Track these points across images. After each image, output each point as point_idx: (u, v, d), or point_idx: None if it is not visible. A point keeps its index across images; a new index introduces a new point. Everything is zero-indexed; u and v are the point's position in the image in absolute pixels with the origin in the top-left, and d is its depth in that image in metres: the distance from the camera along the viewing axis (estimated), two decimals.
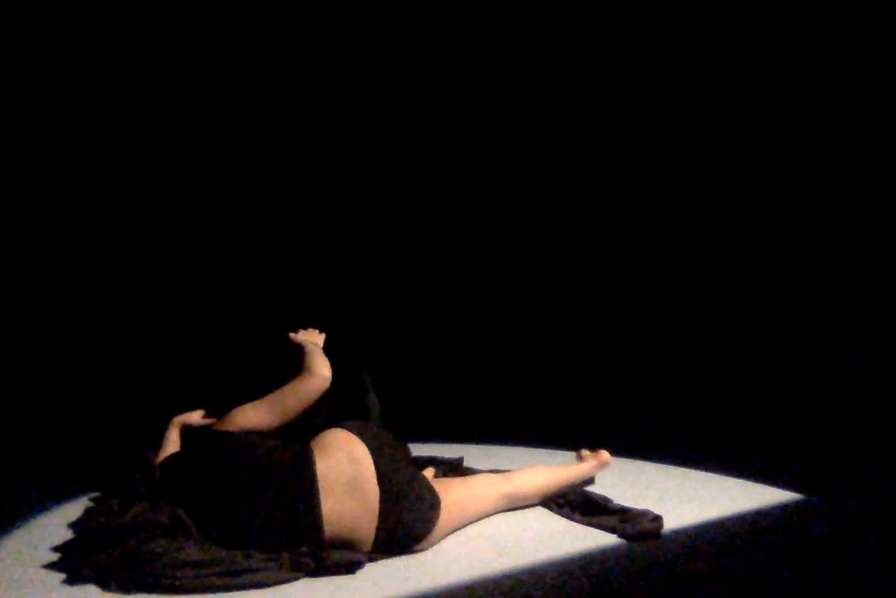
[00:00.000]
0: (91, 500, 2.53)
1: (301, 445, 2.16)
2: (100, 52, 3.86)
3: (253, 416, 2.35)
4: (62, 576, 2.00)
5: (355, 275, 4.21)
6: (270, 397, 2.41)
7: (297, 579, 1.97)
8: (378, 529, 2.06)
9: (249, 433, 2.30)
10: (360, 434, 2.15)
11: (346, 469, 2.06)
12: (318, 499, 2.02)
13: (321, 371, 2.46)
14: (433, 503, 2.16)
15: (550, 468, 2.56)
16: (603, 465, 2.67)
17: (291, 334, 2.68)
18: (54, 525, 2.41)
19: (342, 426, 2.19)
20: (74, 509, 2.52)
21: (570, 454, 3.22)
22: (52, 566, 2.06)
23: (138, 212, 4.04)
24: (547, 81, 4.11)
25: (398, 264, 4.24)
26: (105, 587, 1.92)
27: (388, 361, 3.02)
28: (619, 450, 3.22)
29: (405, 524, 2.08)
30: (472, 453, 2.98)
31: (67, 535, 2.29)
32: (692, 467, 2.95)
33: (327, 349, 2.67)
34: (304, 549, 2.01)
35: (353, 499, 2.04)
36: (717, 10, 3.79)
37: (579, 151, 4.16)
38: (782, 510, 2.48)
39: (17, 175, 3.84)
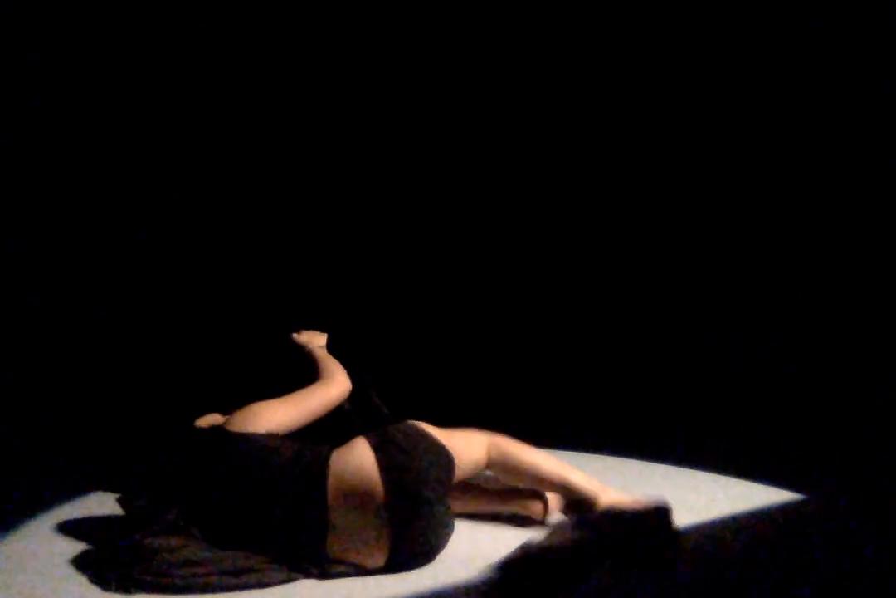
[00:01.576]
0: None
1: (320, 460, 2.04)
2: (97, 52, 3.86)
3: (279, 415, 2.23)
4: (62, 576, 2.00)
5: (355, 275, 4.21)
6: (296, 400, 2.30)
7: (297, 579, 1.97)
8: (388, 561, 2.00)
9: (270, 438, 2.16)
10: (385, 454, 2.00)
11: (358, 506, 1.96)
12: (326, 538, 1.97)
13: (344, 379, 2.40)
14: (447, 524, 2.10)
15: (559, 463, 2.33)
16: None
17: (294, 335, 2.66)
18: (55, 525, 2.42)
19: (370, 439, 2.05)
20: (75, 509, 2.52)
21: (571, 455, 3.24)
22: (54, 563, 2.07)
23: (144, 215, 4.05)
24: (552, 80, 4.11)
25: (396, 264, 4.24)
26: (105, 586, 1.92)
27: (388, 360, 3.02)
28: (619, 450, 3.23)
29: (417, 553, 2.03)
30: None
31: (68, 535, 2.29)
32: (692, 468, 2.95)
33: (329, 350, 2.66)
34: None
35: (363, 536, 1.97)
36: (715, 10, 3.80)
37: (575, 152, 4.16)
38: (782, 509, 2.48)
39: (17, 175, 3.85)
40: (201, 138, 4.07)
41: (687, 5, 3.83)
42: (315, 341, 2.65)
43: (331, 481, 1.98)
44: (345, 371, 2.45)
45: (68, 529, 2.36)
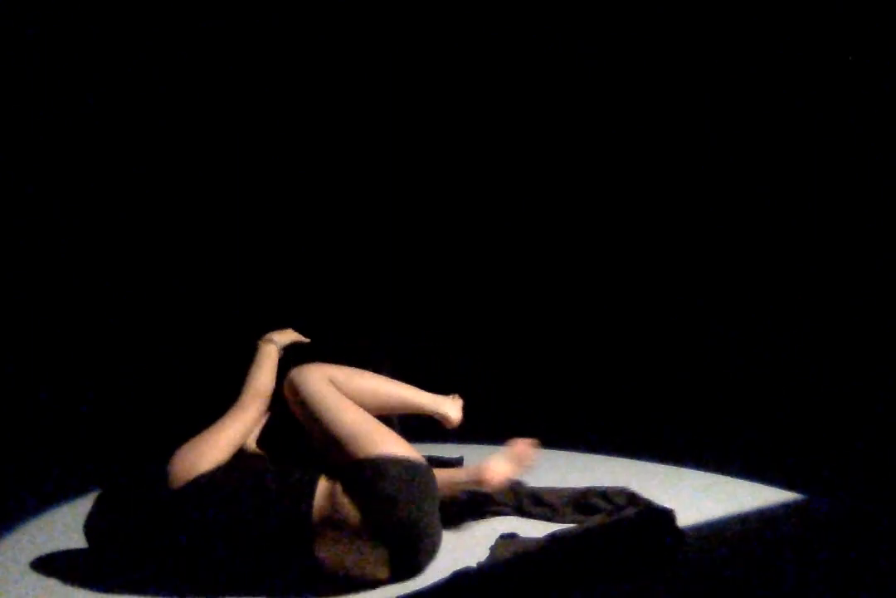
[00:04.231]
0: None
1: (302, 507, 1.93)
2: (98, 52, 3.86)
3: (214, 450, 2.06)
4: (62, 576, 2.01)
5: (356, 274, 4.21)
6: (221, 430, 2.12)
7: None
8: (390, 576, 1.98)
9: (240, 474, 2.03)
10: (372, 505, 1.92)
11: (350, 546, 1.91)
12: (320, 573, 1.93)
13: (258, 401, 2.23)
14: (439, 533, 2.10)
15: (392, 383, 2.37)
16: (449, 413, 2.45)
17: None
18: (55, 525, 2.42)
19: (352, 491, 1.95)
20: (75, 509, 2.52)
21: (572, 455, 3.25)
22: (54, 563, 2.06)
23: (144, 215, 4.05)
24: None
25: (396, 263, 4.24)
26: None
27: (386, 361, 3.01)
28: (619, 450, 3.23)
29: (417, 566, 2.02)
30: (472, 453, 2.97)
31: (68, 535, 2.29)
32: (692, 468, 2.96)
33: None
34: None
35: (361, 569, 1.94)
36: (715, 10, 3.80)
37: (574, 153, 4.16)
38: (782, 510, 2.48)
39: (17, 175, 3.85)
40: (201, 139, 4.07)
41: (687, 5, 3.83)
42: (278, 338, 2.47)
43: (316, 525, 1.91)
44: (264, 380, 2.29)
45: (68, 529, 2.36)
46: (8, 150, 3.81)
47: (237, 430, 2.13)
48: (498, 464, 2.34)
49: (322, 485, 1.96)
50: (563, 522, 2.36)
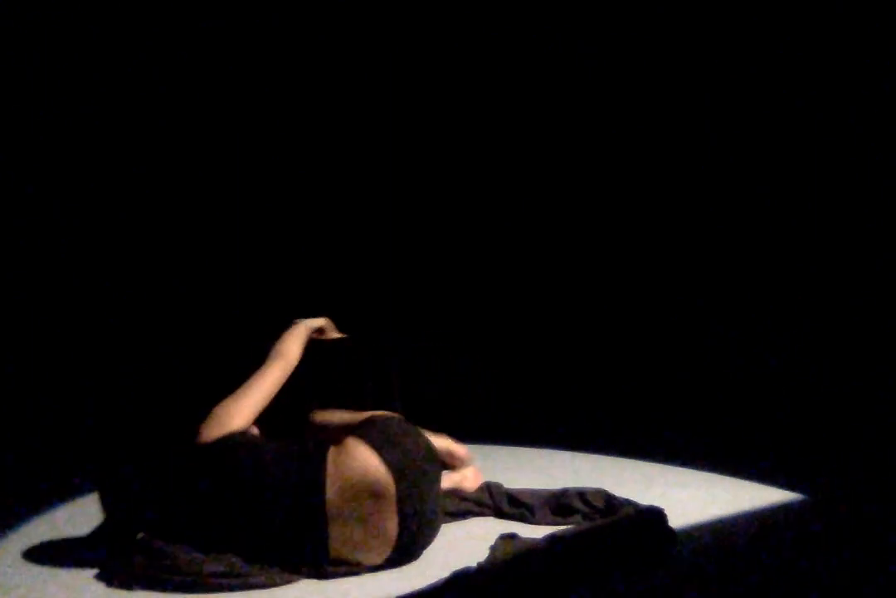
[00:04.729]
0: None
1: (314, 463, 2.00)
2: (98, 52, 3.87)
3: (240, 411, 2.14)
4: (62, 576, 2.01)
5: (370, 272, 4.21)
6: (248, 390, 2.20)
7: (297, 580, 1.98)
8: (391, 554, 2.01)
9: (248, 441, 2.11)
10: (389, 455, 1.99)
11: (364, 508, 1.97)
12: (327, 540, 1.97)
13: (283, 358, 2.29)
14: (440, 514, 2.17)
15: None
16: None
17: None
18: (55, 525, 2.42)
19: (365, 439, 2.03)
20: (75, 509, 2.52)
21: (572, 455, 3.25)
22: (54, 563, 2.07)
23: (144, 215, 4.05)
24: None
25: (397, 262, 4.24)
26: (107, 582, 1.93)
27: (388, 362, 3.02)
28: (619, 450, 3.23)
29: (419, 546, 2.07)
30: (472, 453, 2.96)
31: (68, 535, 2.29)
32: (692, 468, 2.96)
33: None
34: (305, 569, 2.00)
35: (366, 536, 1.98)
36: (715, 10, 3.80)
37: (574, 153, 4.17)
38: (782, 510, 2.48)
39: (17, 175, 3.85)
40: (201, 138, 4.07)
41: (687, 5, 3.83)
42: (309, 322, 2.50)
43: (330, 485, 1.97)
44: (291, 347, 2.35)
45: (68, 529, 2.36)
46: (8, 150, 3.81)
47: (263, 392, 2.22)
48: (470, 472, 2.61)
49: (332, 449, 2.04)
50: (540, 523, 2.36)
